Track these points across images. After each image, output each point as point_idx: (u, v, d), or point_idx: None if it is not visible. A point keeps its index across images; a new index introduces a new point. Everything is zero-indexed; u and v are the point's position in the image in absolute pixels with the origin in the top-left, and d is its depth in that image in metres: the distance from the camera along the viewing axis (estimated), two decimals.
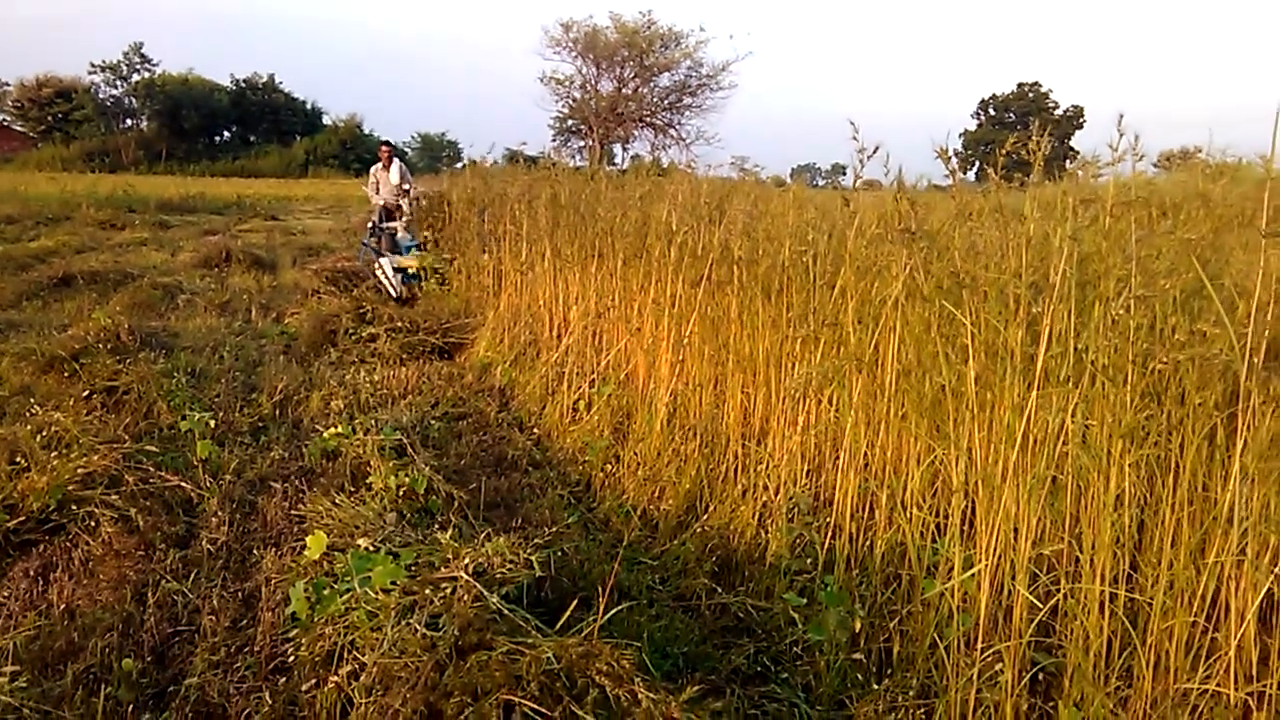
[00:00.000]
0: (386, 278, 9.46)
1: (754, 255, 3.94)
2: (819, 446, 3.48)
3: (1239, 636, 2.07)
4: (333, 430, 4.57)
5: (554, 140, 42.09)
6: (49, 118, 49.20)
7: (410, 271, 9.75)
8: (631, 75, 39.89)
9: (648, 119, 40.11)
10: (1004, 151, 2.51)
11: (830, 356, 3.34)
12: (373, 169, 11.40)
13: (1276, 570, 2.09)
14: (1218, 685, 2.05)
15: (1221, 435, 2.27)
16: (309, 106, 56.15)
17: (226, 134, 53.81)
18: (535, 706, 1.87)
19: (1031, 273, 2.43)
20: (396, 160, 11.23)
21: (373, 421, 4.75)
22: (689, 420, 4.22)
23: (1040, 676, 2.31)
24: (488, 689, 1.93)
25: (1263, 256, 2.17)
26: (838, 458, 3.28)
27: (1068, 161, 2.65)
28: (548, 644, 2.09)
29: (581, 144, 41.73)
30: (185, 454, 4.31)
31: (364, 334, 7.25)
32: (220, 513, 3.72)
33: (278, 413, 5.35)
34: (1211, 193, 3.74)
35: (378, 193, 11.20)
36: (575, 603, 2.63)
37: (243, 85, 53.81)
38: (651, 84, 40.18)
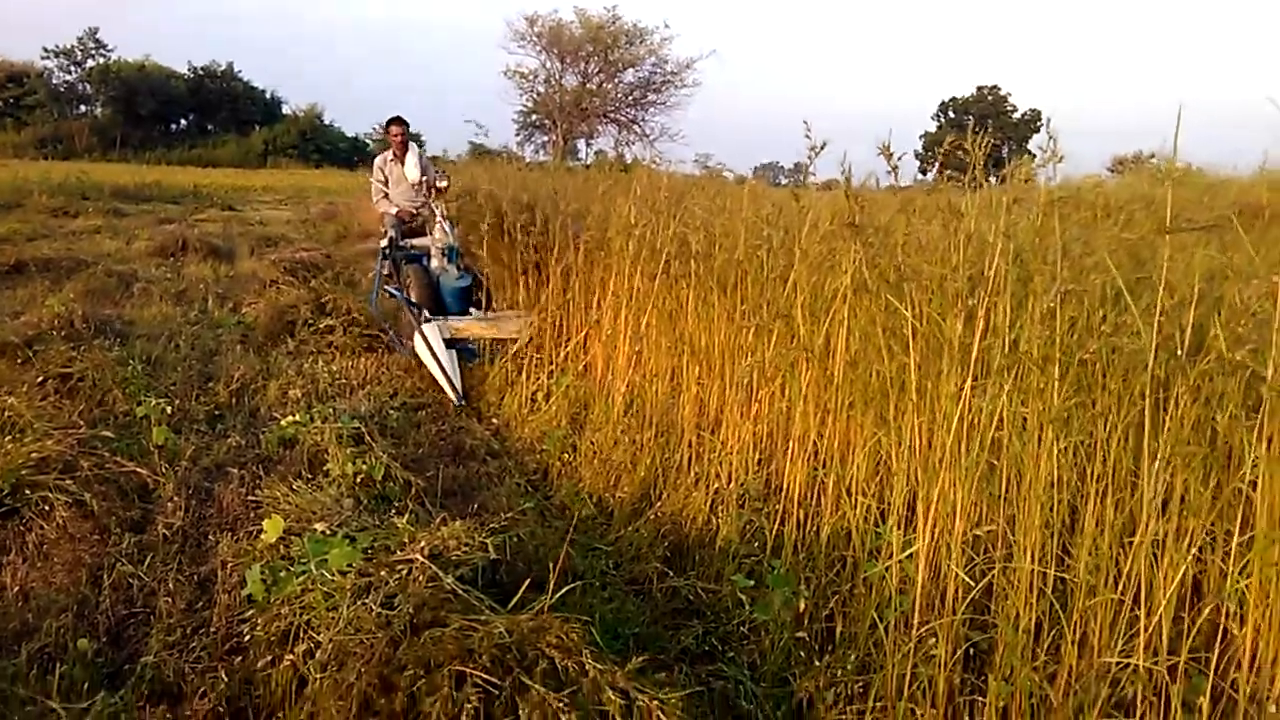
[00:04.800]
0: (438, 364, 5.58)
1: (710, 249, 4.03)
2: (770, 436, 3.58)
3: (1159, 615, 2.18)
4: (290, 418, 4.60)
5: (518, 134, 41.96)
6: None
7: (473, 345, 6.09)
8: (596, 71, 39.88)
9: (612, 115, 40.12)
10: (943, 150, 2.62)
11: (782, 347, 3.43)
12: (377, 161, 7.95)
13: (1194, 552, 2.21)
14: (1137, 660, 2.16)
15: (1147, 423, 2.39)
16: (268, 96, 55.37)
17: (183, 122, 52.90)
18: (486, 677, 1.93)
19: (969, 267, 2.53)
20: (413, 145, 7.87)
21: (331, 410, 4.77)
22: (645, 410, 4.29)
23: (972, 652, 2.41)
24: (440, 662, 1.99)
25: (1163, 255, 2.29)
26: (788, 446, 3.38)
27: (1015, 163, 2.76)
28: (500, 620, 2.16)
29: (545, 139, 41.67)
30: (140, 441, 4.30)
31: (322, 325, 7.22)
32: (176, 498, 3.72)
33: (235, 401, 5.33)
34: (1155, 196, 3.87)
35: (387, 194, 7.79)
36: (528, 584, 2.69)
37: (200, 73, 52.89)
38: (616, 80, 40.20)
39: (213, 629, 2.85)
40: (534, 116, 41.99)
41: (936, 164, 2.99)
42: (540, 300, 5.99)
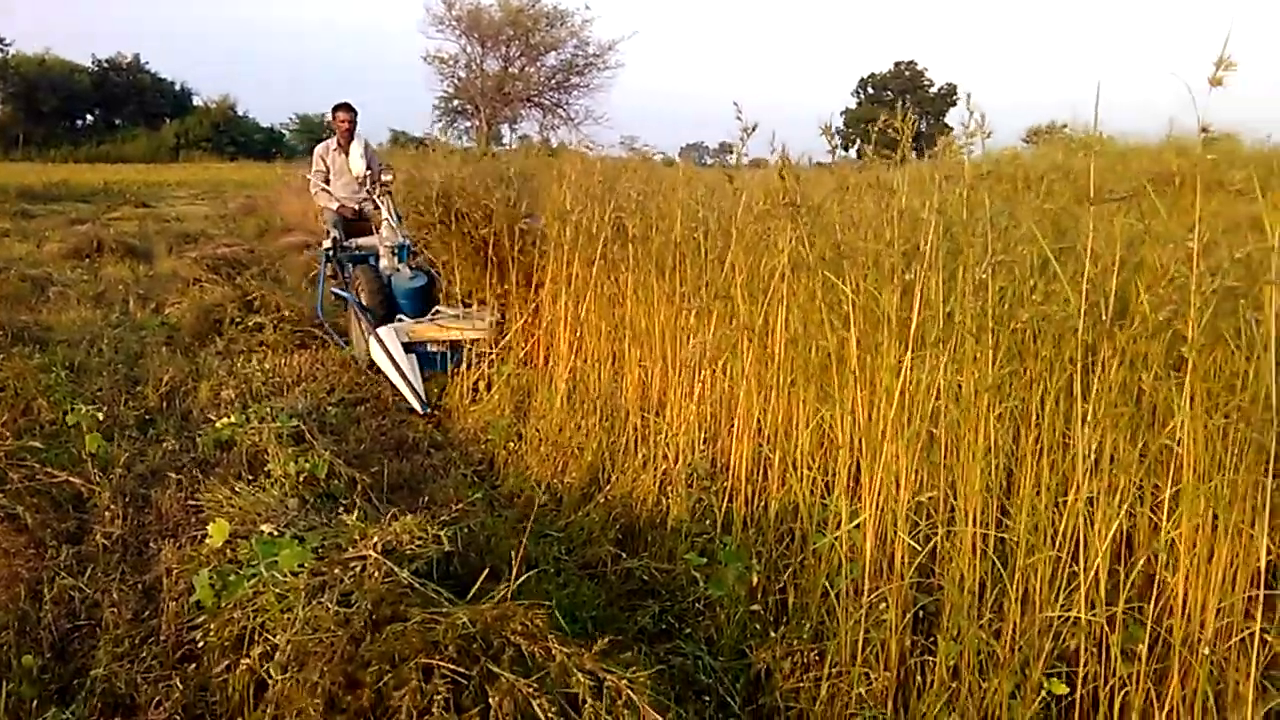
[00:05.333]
0: (398, 371, 5.20)
1: (647, 233, 4.05)
2: (714, 415, 3.63)
3: (1095, 568, 2.28)
4: (226, 420, 4.51)
5: (439, 120, 41.30)
6: None
7: (435, 350, 5.56)
8: (517, 54, 39.40)
9: (535, 99, 39.72)
10: (876, 129, 2.68)
11: (723, 328, 3.48)
12: (318, 150, 7.36)
13: (1125, 507, 2.31)
14: (1077, 612, 2.26)
15: (1077, 387, 2.49)
16: (178, 87, 53.62)
17: (89, 118, 50.90)
18: (454, 667, 1.94)
19: (904, 243, 2.61)
20: (360, 135, 7.15)
21: (267, 410, 4.68)
22: (589, 395, 4.31)
23: (921, 615, 2.50)
24: (406, 656, 1.99)
25: (1086, 224, 2.39)
26: (732, 425, 3.43)
27: (939, 138, 2.83)
28: (462, 611, 2.17)
29: (468, 124, 41.11)
30: (70, 449, 4.18)
31: (251, 323, 7.06)
32: (114, 507, 3.63)
33: (165, 405, 5.21)
34: (1072, 166, 3.99)
35: (327, 188, 7.17)
36: (486, 574, 2.70)
37: (105, 66, 50.92)
38: (538, 63, 39.78)
39: (162, 637, 2.80)
40: (455, 102, 41.36)
41: (858, 141, 3.09)
42: (481, 290, 5.68)
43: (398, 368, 5.21)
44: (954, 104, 53.19)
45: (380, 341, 5.35)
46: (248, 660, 2.46)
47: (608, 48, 38.91)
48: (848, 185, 3.10)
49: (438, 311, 5.88)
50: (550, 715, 1.79)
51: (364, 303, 6.07)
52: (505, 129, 40.59)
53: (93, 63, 50.64)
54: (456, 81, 40.47)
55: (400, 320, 5.80)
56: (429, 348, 5.55)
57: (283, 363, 6.18)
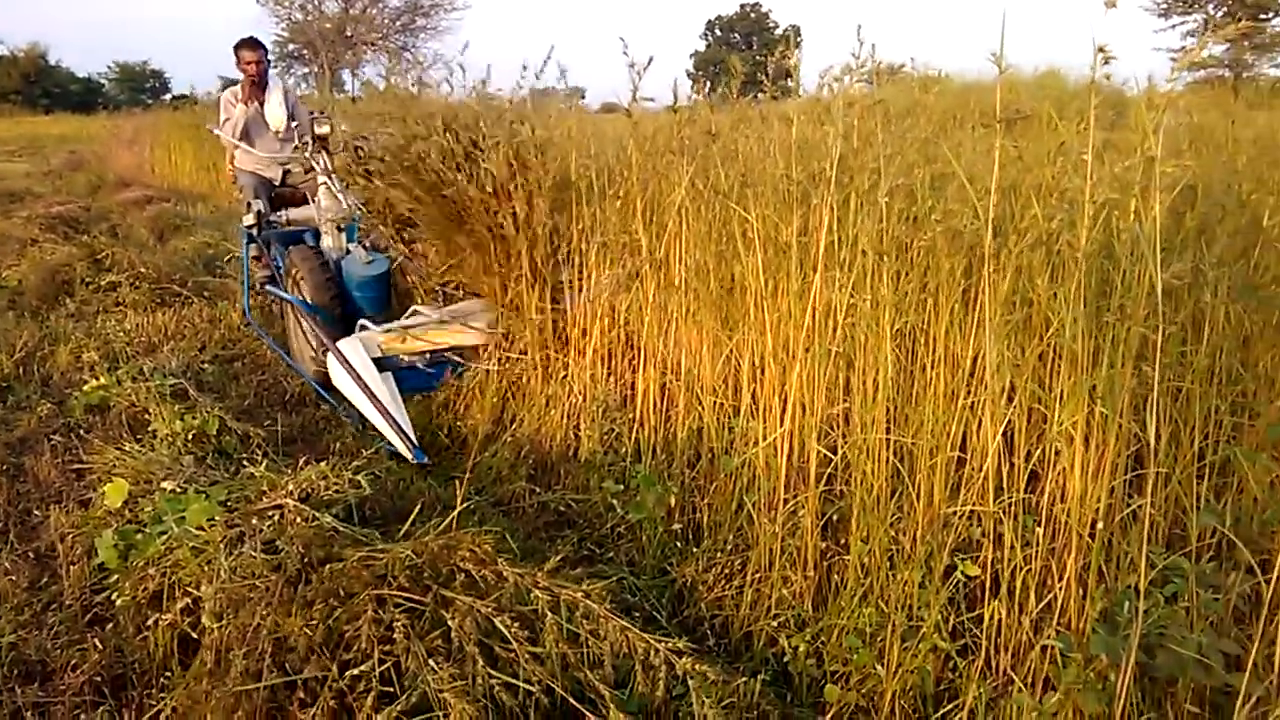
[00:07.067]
0: (371, 400, 3.63)
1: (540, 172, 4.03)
2: (612, 351, 3.69)
3: (986, 464, 2.48)
4: (95, 383, 4.29)
5: (274, 65, 39.12)
6: None
7: (419, 360, 4.04)
8: None
9: (380, 43, 38.17)
10: (773, 61, 2.78)
11: (621, 263, 3.54)
12: (225, 97, 5.86)
13: (1014, 406, 2.51)
14: (973, 506, 2.46)
15: (959, 308, 2.67)
16: None
17: None
18: (407, 596, 1.97)
19: (800, 171, 2.72)
20: (277, 80, 5.82)
21: (139, 370, 4.47)
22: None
23: (834, 520, 2.66)
24: (353, 590, 2.00)
25: (968, 148, 2.55)
26: (634, 358, 3.51)
27: (788, 79, 2.94)
28: (403, 545, 2.18)
29: (306, 70, 39.15)
30: None
31: (104, 282, 6.66)
32: None
33: (21, 370, 4.89)
34: (926, 102, 4.19)
35: (242, 140, 5.68)
36: (399, 517, 2.71)
37: None
38: (381, 4, 38.19)
39: (66, 603, 2.70)
40: (291, 46, 39.26)
41: (709, 83, 3.24)
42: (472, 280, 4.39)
43: (371, 396, 3.64)
44: (798, 45, 54.21)
45: (341, 358, 3.79)
46: (169, 616, 2.40)
47: None
48: (745, 119, 3.20)
49: (415, 311, 4.30)
50: (513, 631, 1.85)
51: (308, 299, 4.54)
52: (347, 74, 38.89)
53: None
54: (292, 23, 38.38)
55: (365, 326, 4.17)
56: (405, 360, 4.03)
57: (145, 322, 5.87)
